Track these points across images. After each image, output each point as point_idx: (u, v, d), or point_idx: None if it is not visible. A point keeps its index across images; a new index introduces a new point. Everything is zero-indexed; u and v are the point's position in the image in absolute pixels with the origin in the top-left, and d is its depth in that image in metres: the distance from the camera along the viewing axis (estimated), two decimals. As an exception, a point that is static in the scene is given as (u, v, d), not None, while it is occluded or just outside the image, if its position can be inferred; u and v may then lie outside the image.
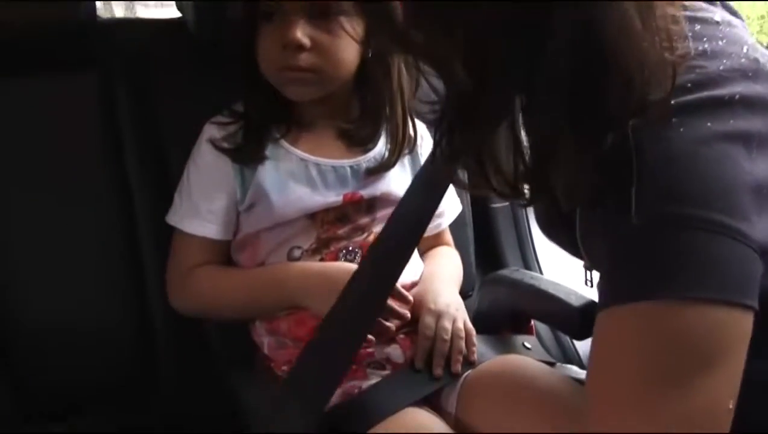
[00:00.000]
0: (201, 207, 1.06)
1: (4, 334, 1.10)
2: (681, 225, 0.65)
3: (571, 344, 1.29)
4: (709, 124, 0.67)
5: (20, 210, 1.12)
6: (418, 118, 0.84)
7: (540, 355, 1.09)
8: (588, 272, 0.90)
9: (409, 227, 0.99)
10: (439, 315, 1.02)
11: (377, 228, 1.07)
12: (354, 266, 1.01)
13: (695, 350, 0.65)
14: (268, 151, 1.05)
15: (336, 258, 1.05)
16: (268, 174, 1.04)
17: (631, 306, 0.67)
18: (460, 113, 0.72)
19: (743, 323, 0.66)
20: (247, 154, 1.05)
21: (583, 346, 1.27)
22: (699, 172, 0.66)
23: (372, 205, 1.08)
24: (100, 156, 1.16)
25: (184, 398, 1.18)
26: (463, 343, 1.02)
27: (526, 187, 0.73)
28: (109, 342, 1.16)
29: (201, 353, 1.14)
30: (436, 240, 1.18)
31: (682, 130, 0.67)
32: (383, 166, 1.08)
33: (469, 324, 1.05)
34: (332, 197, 1.05)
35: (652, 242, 0.67)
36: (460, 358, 1.01)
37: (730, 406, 0.66)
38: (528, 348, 1.09)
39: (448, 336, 1.01)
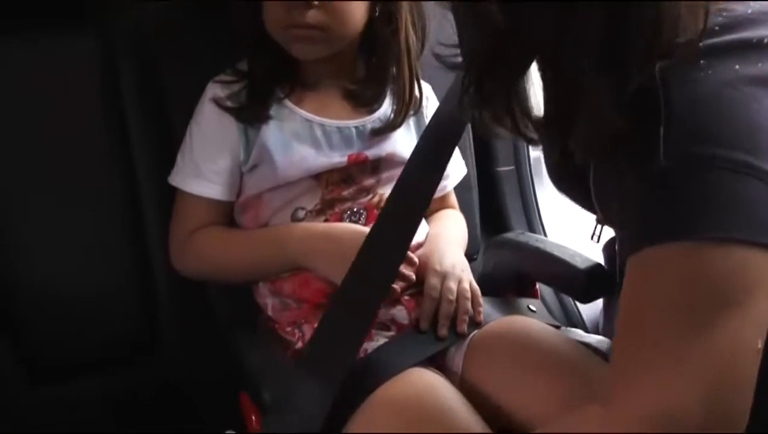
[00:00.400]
0: (204, 167, 1.04)
1: (7, 297, 1.10)
2: (707, 165, 0.65)
3: (575, 308, 1.29)
4: (737, 66, 0.66)
5: (21, 174, 1.11)
6: (439, 61, 0.83)
7: (545, 318, 1.09)
8: (598, 227, 0.89)
9: (418, 190, 0.98)
10: (444, 276, 1.02)
11: (382, 190, 1.07)
12: (358, 227, 1.01)
13: (723, 289, 0.65)
14: (273, 111, 1.04)
15: (341, 220, 1.05)
16: (272, 134, 1.03)
17: (664, 247, 0.66)
18: (492, 55, 0.71)
19: None
20: (250, 113, 1.04)
21: (587, 310, 1.27)
22: (726, 114, 0.65)
23: (377, 166, 1.07)
24: (101, 118, 1.15)
25: (187, 360, 1.18)
26: (468, 304, 1.02)
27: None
28: (111, 304, 1.16)
29: (204, 315, 1.14)
30: (442, 203, 1.17)
31: (710, 72, 0.66)
32: (388, 127, 1.07)
33: (475, 285, 1.05)
34: (337, 158, 1.04)
35: (680, 183, 0.66)
36: (466, 319, 1.01)
37: (759, 346, 0.66)
38: (533, 311, 1.09)
39: (453, 297, 1.01)
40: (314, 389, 0.88)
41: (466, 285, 1.03)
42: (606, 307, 1.17)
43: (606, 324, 1.17)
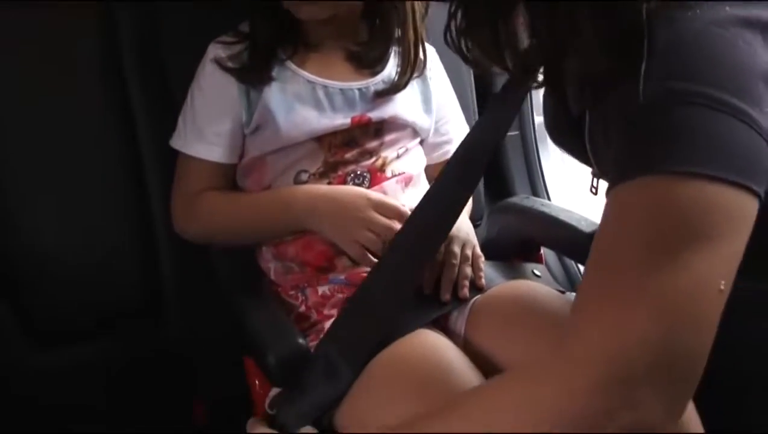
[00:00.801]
0: (206, 130, 1.04)
1: (10, 260, 1.10)
2: (687, 101, 0.64)
3: (579, 273, 1.29)
4: (727, 7, 0.65)
5: (24, 137, 1.10)
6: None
7: (549, 284, 1.08)
8: (595, 179, 0.89)
9: (447, 204, 0.97)
10: (448, 240, 1.01)
11: (385, 153, 1.06)
12: (362, 189, 0.99)
13: (692, 225, 0.64)
14: (275, 72, 1.03)
15: (344, 183, 1.04)
16: (274, 96, 1.02)
17: (634, 182, 0.66)
18: None
19: (744, 205, 0.65)
20: (252, 74, 1.02)
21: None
22: (709, 52, 0.65)
23: (380, 128, 1.06)
24: (101, 81, 1.14)
25: (189, 324, 1.18)
26: (469, 269, 1.02)
27: (540, 72, 0.72)
28: (114, 269, 1.15)
29: (207, 280, 1.13)
30: None
31: (698, 11, 0.65)
32: (392, 89, 1.06)
33: (478, 250, 1.04)
34: (340, 120, 1.03)
35: (658, 118, 0.66)
36: (467, 283, 1.01)
37: (722, 287, 0.64)
38: (537, 276, 1.09)
39: (456, 261, 1.01)
40: (338, 371, 0.88)
41: (469, 251, 1.02)
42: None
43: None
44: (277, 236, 1.05)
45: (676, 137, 0.64)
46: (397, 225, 0.98)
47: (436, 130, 1.14)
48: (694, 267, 0.64)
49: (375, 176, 1.05)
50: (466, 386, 0.85)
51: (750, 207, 0.65)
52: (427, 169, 1.13)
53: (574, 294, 1.06)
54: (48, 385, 1.12)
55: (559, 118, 0.85)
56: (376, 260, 0.99)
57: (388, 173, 1.06)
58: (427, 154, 1.14)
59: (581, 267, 1.25)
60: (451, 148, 1.16)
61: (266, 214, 1.04)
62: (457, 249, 1.01)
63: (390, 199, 1.01)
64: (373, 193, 0.99)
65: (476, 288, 1.02)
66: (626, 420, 0.64)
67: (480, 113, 1.29)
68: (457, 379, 0.86)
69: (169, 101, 1.10)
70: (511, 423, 0.67)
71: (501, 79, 1.34)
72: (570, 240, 1.04)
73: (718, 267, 0.64)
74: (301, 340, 0.93)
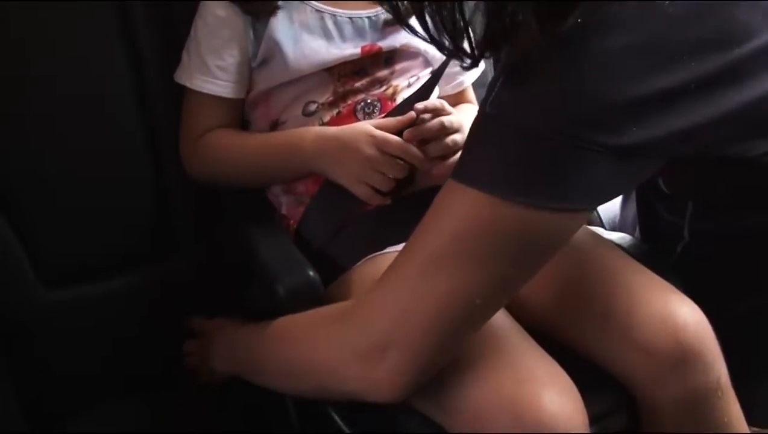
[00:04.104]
0: (210, 64, 1.02)
1: (20, 201, 1.09)
2: (514, 126, 0.69)
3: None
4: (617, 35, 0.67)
5: (29, 80, 1.07)
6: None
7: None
8: None
9: None
10: (460, 127, 0.99)
11: (396, 81, 1.04)
12: (365, 128, 0.98)
13: (472, 242, 0.72)
14: (281, 2, 1.00)
15: (353, 112, 1.02)
16: (281, 26, 1.00)
17: (461, 186, 0.72)
18: None
19: (561, 226, 0.72)
20: (257, 4, 1.00)
21: (606, 206, 1.25)
22: (559, 81, 0.68)
23: (391, 57, 1.04)
24: (106, 15, 1.12)
25: (201, 262, 1.17)
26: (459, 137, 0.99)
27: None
28: (124, 207, 1.14)
29: (218, 218, 1.13)
30: (460, 98, 1.14)
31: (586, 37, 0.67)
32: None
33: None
34: (350, 50, 1.01)
35: (490, 134, 0.72)
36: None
37: (478, 302, 0.73)
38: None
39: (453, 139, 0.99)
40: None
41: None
42: (623, 205, 1.16)
43: (623, 222, 1.16)
44: (284, 180, 1.04)
45: (490, 156, 0.71)
46: (402, 166, 0.97)
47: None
48: (454, 282, 0.73)
49: (385, 105, 1.03)
50: None
51: (568, 225, 0.72)
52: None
53: (588, 227, 1.06)
54: (58, 322, 1.12)
55: None
56: (385, 199, 0.98)
57: (399, 101, 1.04)
58: (441, 85, 1.10)
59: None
60: (466, 79, 1.14)
61: (274, 157, 1.03)
62: (459, 138, 0.99)
63: (394, 137, 0.98)
64: (377, 131, 0.97)
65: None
66: (364, 376, 0.78)
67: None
68: None
69: (174, 37, 1.08)
70: (320, 350, 0.83)
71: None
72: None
73: (481, 285, 0.73)
74: (311, 272, 0.93)
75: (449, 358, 0.78)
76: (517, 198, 0.69)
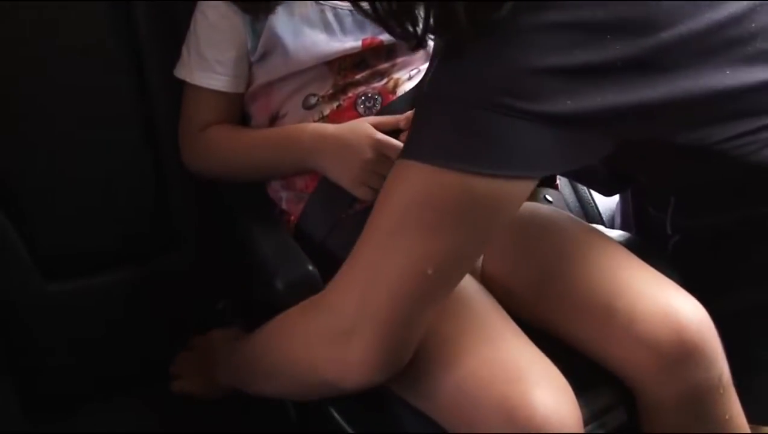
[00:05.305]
0: (209, 58, 1.02)
1: (20, 195, 1.09)
2: (448, 98, 0.72)
3: (592, 201, 1.27)
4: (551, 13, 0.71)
5: (28, 74, 1.07)
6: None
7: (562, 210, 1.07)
8: None
9: None
10: None
11: (397, 74, 1.04)
12: (369, 130, 0.97)
13: (420, 213, 0.74)
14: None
15: (354, 104, 1.02)
16: (280, 19, 1.00)
17: (408, 162, 0.75)
18: None
19: (504, 193, 0.74)
20: (256, 3, 0.99)
21: (605, 203, 1.25)
22: (488, 57, 0.71)
23: (392, 50, 1.04)
24: (107, 11, 1.11)
25: (201, 256, 1.17)
26: None
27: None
28: (124, 201, 1.14)
29: (218, 210, 1.13)
30: None
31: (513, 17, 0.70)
32: (404, 10, 1.03)
33: None
34: (350, 43, 1.01)
35: (428, 110, 0.75)
36: None
37: (429, 272, 0.74)
38: (549, 201, 1.07)
39: None
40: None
41: None
42: (622, 202, 1.16)
43: (622, 220, 1.16)
44: (282, 175, 1.04)
45: (433, 131, 0.74)
46: None
47: None
48: (410, 255, 0.74)
49: (386, 98, 1.02)
50: (481, 309, 0.86)
51: (509, 191, 0.74)
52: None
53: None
54: (58, 317, 1.12)
55: None
56: None
57: (400, 94, 1.03)
58: None
59: (594, 194, 1.24)
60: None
61: (273, 153, 1.02)
62: None
63: (395, 141, 0.97)
64: (378, 134, 0.97)
65: None
66: (336, 361, 0.79)
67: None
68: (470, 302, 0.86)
69: (176, 31, 1.08)
70: (296, 339, 0.84)
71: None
72: (587, 168, 1.01)
73: (431, 255, 0.74)
74: (311, 267, 0.93)
75: (417, 335, 0.79)
76: (454, 165, 0.71)
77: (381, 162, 0.95)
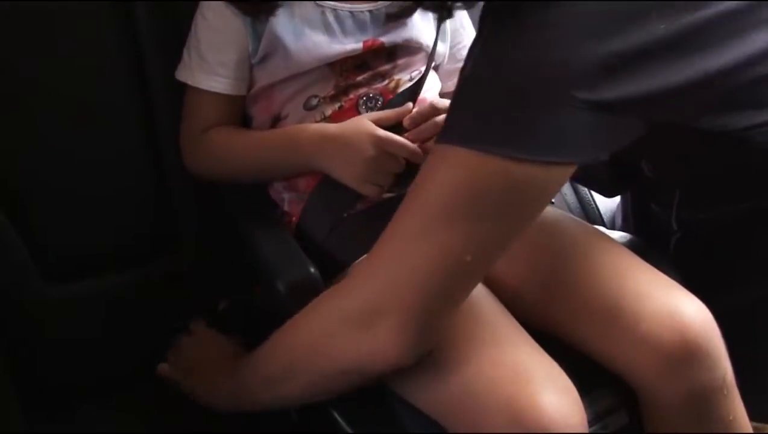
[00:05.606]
0: (210, 60, 1.02)
1: (23, 197, 1.08)
2: (492, 82, 0.72)
3: (592, 202, 1.27)
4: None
5: (29, 78, 1.07)
6: None
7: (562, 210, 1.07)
8: None
9: None
10: None
11: (398, 75, 1.04)
12: (368, 127, 0.97)
13: (460, 201, 0.73)
14: (281, 1, 0.99)
15: (356, 105, 1.02)
16: (281, 21, 0.99)
17: (450, 147, 0.74)
18: None
19: (548, 179, 0.74)
20: (257, 5, 0.99)
21: (605, 204, 1.25)
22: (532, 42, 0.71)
23: (393, 52, 1.04)
24: (109, 13, 1.11)
25: (203, 258, 1.17)
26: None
27: None
28: (127, 205, 1.14)
29: (220, 212, 1.12)
30: None
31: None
32: (405, 12, 1.03)
33: None
34: (351, 44, 1.01)
35: (471, 94, 0.74)
36: None
37: (468, 258, 0.74)
38: (551, 203, 1.07)
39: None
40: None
41: None
42: (623, 203, 1.16)
43: (623, 221, 1.16)
44: (284, 176, 1.04)
45: (481, 116, 0.73)
46: (403, 161, 0.97)
47: (452, 56, 1.11)
48: (446, 243, 0.74)
49: (388, 98, 1.03)
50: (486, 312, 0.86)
51: (550, 178, 0.74)
52: (444, 97, 1.09)
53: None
54: (61, 319, 1.12)
55: None
56: (388, 194, 0.98)
57: None
58: (443, 80, 1.11)
59: (594, 195, 1.24)
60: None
61: (275, 154, 1.02)
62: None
63: (396, 137, 0.98)
64: (380, 131, 0.97)
65: None
66: (363, 346, 0.78)
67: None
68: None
69: (178, 35, 1.07)
70: (315, 330, 0.83)
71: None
72: (589, 169, 1.02)
73: (471, 242, 0.74)
74: (312, 269, 0.92)
75: (448, 319, 0.79)
76: (498, 151, 0.71)
77: (384, 158, 0.96)
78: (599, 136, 0.73)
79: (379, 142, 0.95)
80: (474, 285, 0.79)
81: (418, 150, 0.97)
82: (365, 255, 0.82)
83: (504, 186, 0.72)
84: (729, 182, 0.86)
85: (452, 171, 0.74)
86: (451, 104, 0.78)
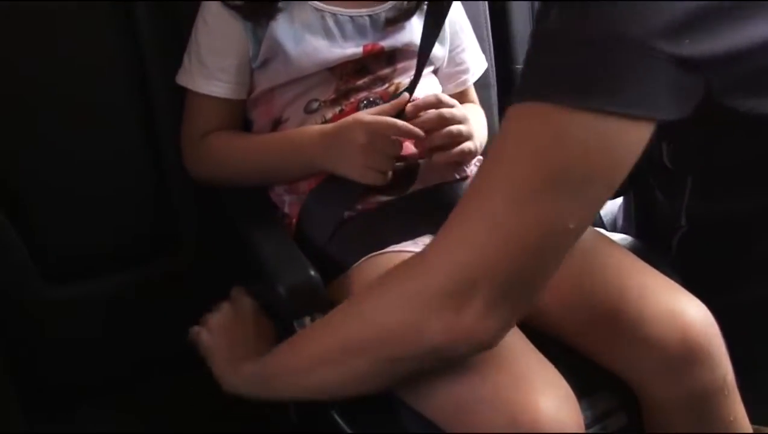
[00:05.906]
0: (211, 65, 1.02)
1: (23, 198, 1.09)
2: (579, 36, 0.68)
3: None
4: None
5: (32, 73, 1.07)
6: None
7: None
8: None
9: None
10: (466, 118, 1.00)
11: (398, 79, 1.04)
12: (356, 116, 0.98)
13: (567, 167, 0.68)
14: (281, 3, 1.00)
15: (356, 109, 1.02)
16: (281, 26, 0.99)
17: (521, 106, 0.70)
18: None
19: (636, 135, 0.69)
20: (257, 8, 0.99)
21: (605, 205, 1.25)
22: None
23: (393, 56, 1.04)
24: (110, 17, 1.11)
25: (203, 259, 1.17)
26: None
27: None
28: (127, 205, 1.15)
29: (218, 213, 1.12)
30: (462, 98, 1.13)
31: None
32: (404, 15, 1.03)
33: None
34: (351, 49, 1.01)
35: (548, 48, 0.71)
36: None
37: (571, 226, 0.70)
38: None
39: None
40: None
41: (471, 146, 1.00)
42: (625, 203, 1.16)
43: (624, 221, 1.16)
44: (287, 180, 1.04)
45: (567, 69, 0.69)
46: (398, 142, 0.97)
47: (451, 60, 1.12)
48: (548, 209, 0.69)
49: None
50: None
51: (637, 134, 0.70)
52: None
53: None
54: (61, 319, 1.13)
55: None
56: (389, 197, 0.98)
57: None
58: (443, 83, 1.11)
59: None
60: (469, 78, 1.14)
61: (276, 158, 1.02)
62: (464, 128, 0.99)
63: (382, 117, 0.97)
64: (367, 116, 0.97)
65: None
66: (451, 324, 0.72)
67: (494, 44, 1.27)
68: None
69: (179, 39, 1.07)
70: (386, 311, 0.77)
71: (518, 10, 1.32)
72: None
73: (572, 209, 0.70)
74: (313, 272, 0.92)
75: (540, 290, 0.74)
76: (586, 104, 0.67)
77: (378, 141, 0.95)
78: (681, 94, 0.70)
79: (367, 127, 0.95)
80: (569, 251, 0.73)
81: (408, 125, 0.97)
82: (425, 237, 0.80)
83: (596, 144, 0.68)
84: (744, 173, 0.85)
85: (537, 128, 0.69)
86: (527, 61, 0.74)
